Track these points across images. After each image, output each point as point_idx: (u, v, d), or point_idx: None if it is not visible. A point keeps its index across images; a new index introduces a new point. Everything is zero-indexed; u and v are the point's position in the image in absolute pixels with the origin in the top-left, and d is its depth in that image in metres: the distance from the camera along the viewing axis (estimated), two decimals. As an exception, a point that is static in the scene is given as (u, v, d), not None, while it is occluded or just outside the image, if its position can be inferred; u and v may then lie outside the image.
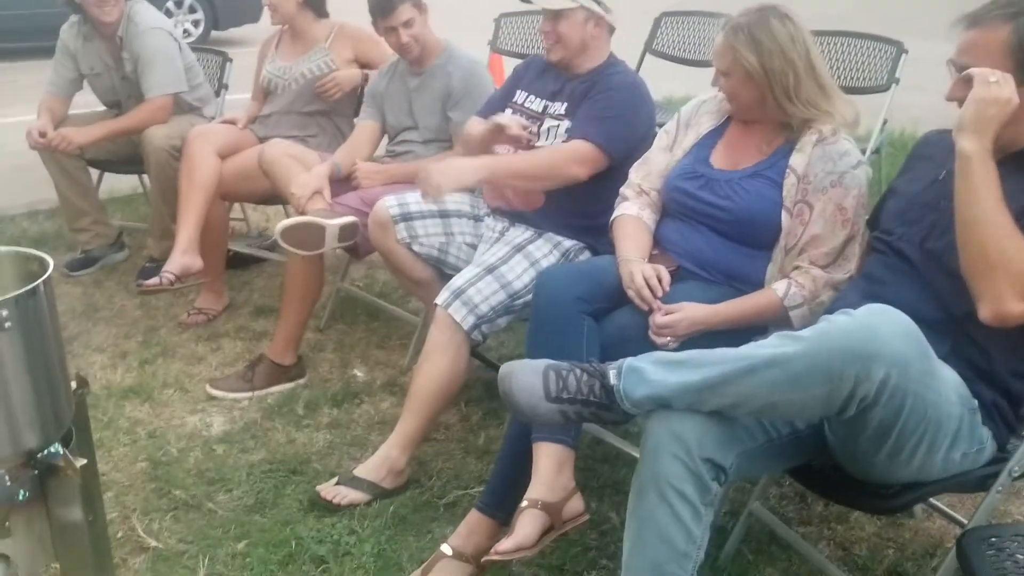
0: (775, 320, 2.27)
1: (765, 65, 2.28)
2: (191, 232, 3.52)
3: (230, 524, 2.50)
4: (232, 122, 3.95)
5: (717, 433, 1.79)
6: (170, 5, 10.06)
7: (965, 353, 1.89)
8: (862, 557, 2.42)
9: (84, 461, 1.67)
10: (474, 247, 2.94)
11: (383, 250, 3.01)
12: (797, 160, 2.31)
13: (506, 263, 2.65)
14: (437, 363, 2.60)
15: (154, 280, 3.42)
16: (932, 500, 2.31)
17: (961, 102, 1.87)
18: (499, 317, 2.63)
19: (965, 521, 2.02)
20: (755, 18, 2.31)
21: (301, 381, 3.28)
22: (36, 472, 1.66)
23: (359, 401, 3.17)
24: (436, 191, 2.60)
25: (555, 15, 2.77)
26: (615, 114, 2.72)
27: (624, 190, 2.61)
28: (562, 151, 2.70)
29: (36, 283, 1.65)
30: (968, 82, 1.85)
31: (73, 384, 1.84)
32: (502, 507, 2.32)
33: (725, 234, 2.37)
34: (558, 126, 2.81)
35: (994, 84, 1.81)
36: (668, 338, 2.23)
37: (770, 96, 2.30)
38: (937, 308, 1.94)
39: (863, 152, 3.47)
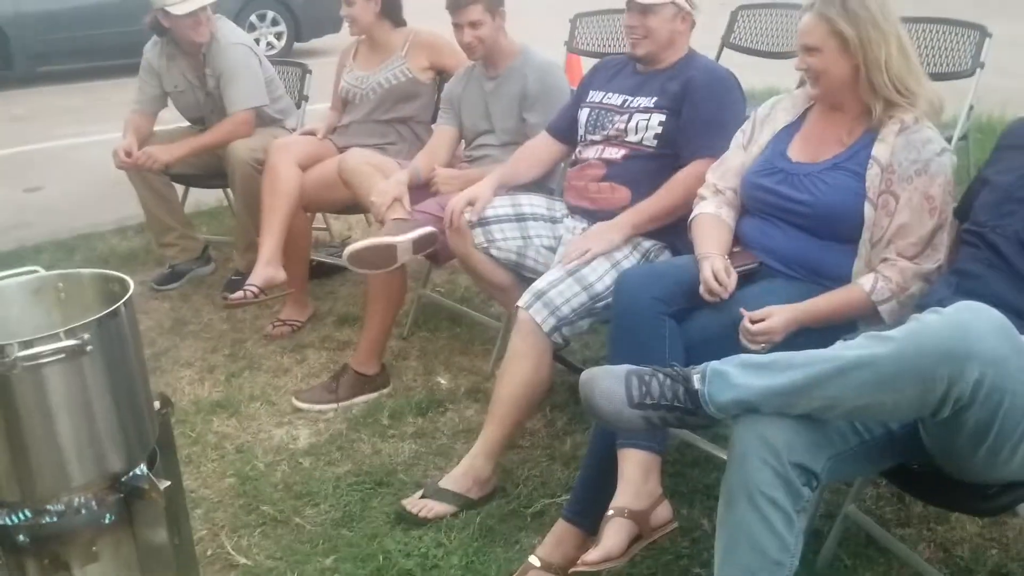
0: (864, 316, 2.20)
1: (861, 35, 2.21)
2: (274, 244, 3.55)
3: (318, 539, 2.51)
4: (312, 133, 3.99)
5: (807, 437, 1.75)
6: (253, 19, 10.28)
7: None
8: (964, 559, 2.33)
9: (168, 483, 1.68)
10: (552, 250, 2.91)
11: (461, 256, 3.00)
12: (880, 150, 2.23)
13: (587, 264, 2.61)
14: (520, 369, 2.58)
15: (239, 294, 3.46)
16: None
17: None
18: (580, 319, 2.59)
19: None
20: None
21: (385, 391, 3.28)
22: (121, 495, 1.67)
23: (443, 409, 3.16)
24: (586, 258, 2.62)
25: (644, 10, 2.76)
26: (721, 120, 2.69)
27: (701, 190, 2.57)
28: (687, 177, 2.67)
29: (117, 304, 1.67)
30: None
31: (157, 404, 1.86)
32: (588, 516, 2.28)
33: (807, 229, 2.30)
34: (649, 118, 2.78)
35: None
36: (763, 344, 2.16)
37: (863, 71, 2.23)
38: None
39: (949, 139, 3.37)
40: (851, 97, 2.29)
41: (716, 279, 2.25)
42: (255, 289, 3.47)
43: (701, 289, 2.27)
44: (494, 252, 2.90)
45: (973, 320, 1.61)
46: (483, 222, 2.89)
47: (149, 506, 1.67)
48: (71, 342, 1.56)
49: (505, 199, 2.96)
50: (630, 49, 2.85)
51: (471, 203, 2.90)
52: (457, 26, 3.27)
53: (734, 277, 2.27)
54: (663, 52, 2.83)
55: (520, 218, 2.94)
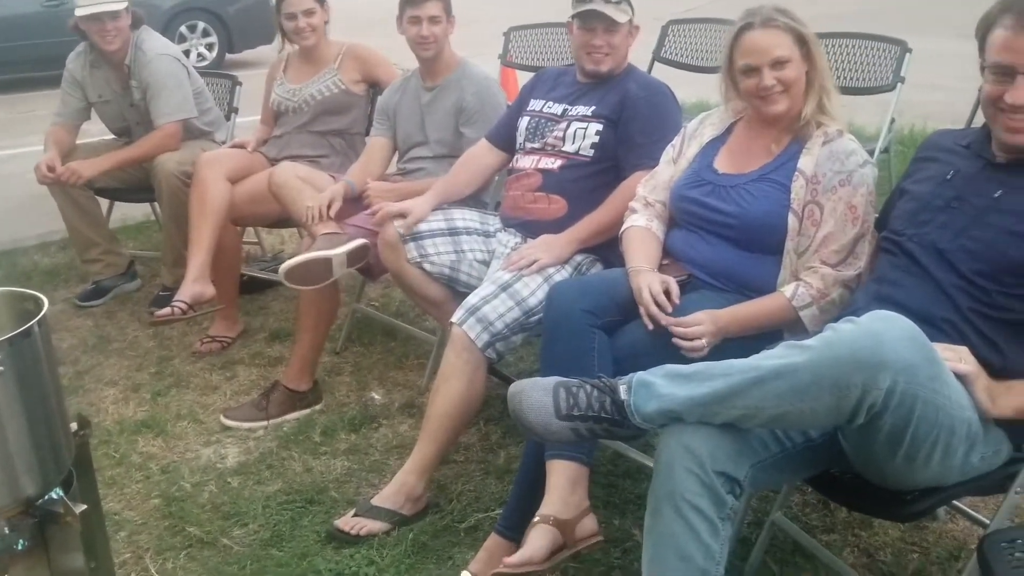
0: (787, 323, 2.24)
1: (811, 39, 2.29)
2: (202, 259, 3.50)
3: (246, 560, 2.47)
4: (242, 146, 3.94)
5: (729, 446, 1.77)
6: (183, 30, 10.13)
7: (978, 352, 1.86)
8: (887, 563, 2.38)
9: (84, 507, 1.63)
10: (485, 263, 2.91)
11: (394, 270, 2.98)
12: (805, 162, 2.29)
13: (520, 279, 2.62)
14: (453, 386, 2.57)
15: (166, 310, 3.40)
16: (955, 502, 2.27)
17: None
18: (514, 334, 2.59)
19: (988, 522, 1.97)
20: (774, 6, 2.30)
21: (317, 407, 3.25)
22: (36, 520, 1.62)
23: (377, 425, 3.13)
24: (534, 268, 2.64)
25: (610, 27, 2.79)
26: (661, 133, 2.72)
27: (632, 203, 2.60)
28: (629, 191, 2.67)
29: (30, 323, 1.62)
30: None
31: (74, 426, 1.80)
32: (521, 529, 2.27)
33: (733, 240, 2.34)
34: (587, 127, 2.80)
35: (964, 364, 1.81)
36: (701, 341, 2.16)
37: (815, 76, 2.30)
38: (949, 308, 1.92)
39: (872, 152, 3.44)
40: (795, 107, 2.33)
41: (656, 301, 2.25)
42: (183, 305, 3.41)
43: (641, 311, 2.27)
44: (427, 267, 2.89)
45: (886, 329, 1.65)
46: (416, 236, 2.88)
47: (64, 531, 1.62)
48: (-20, 363, 1.51)
49: (438, 213, 2.95)
50: (592, 67, 2.85)
51: (403, 215, 2.88)
52: (415, 19, 3.27)
53: (675, 291, 2.28)
54: (618, 67, 2.86)
55: (453, 232, 2.93)
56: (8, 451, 1.58)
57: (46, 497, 1.65)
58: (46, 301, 1.71)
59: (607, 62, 2.83)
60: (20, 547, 1.61)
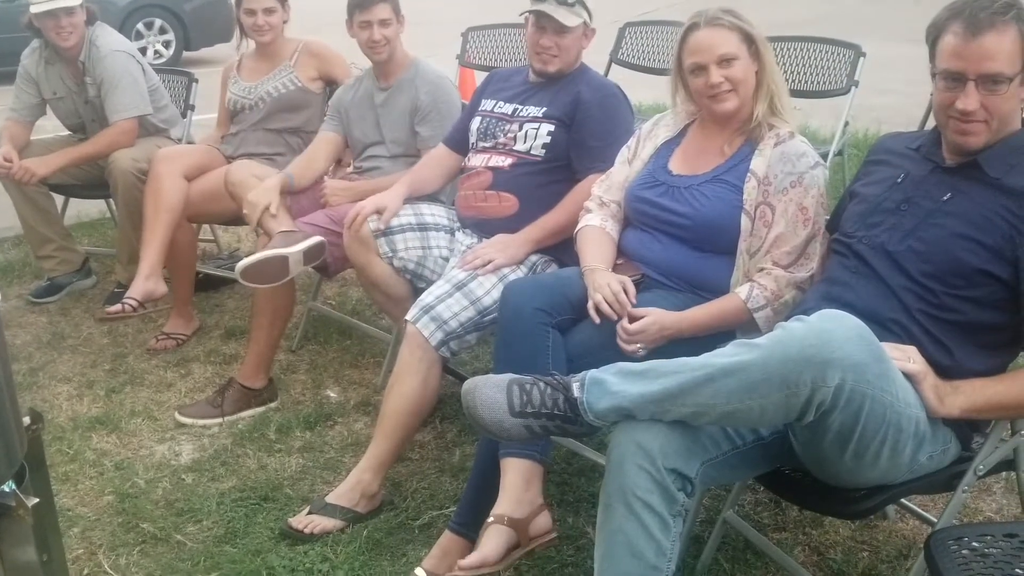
0: (741, 324, 2.27)
1: (759, 38, 2.32)
2: (154, 257, 3.48)
3: (200, 556, 2.46)
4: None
5: (680, 443, 1.79)
6: (140, 27, 10.04)
7: (926, 352, 1.89)
8: (837, 561, 2.41)
9: (37, 500, 1.62)
10: (447, 260, 2.91)
11: (360, 266, 2.97)
12: (758, 164, 2.31)
13: (475, 279, 2.63)
14: (408, 384, 2.58)
15: (116, 307, 3.39)
16: (904, 501, 2.31)
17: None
18: (468, 333, 2.61)
19: (936, 520, 2.01)
20: (721, 7, 2.33)
21: (273, 404, 3.24)
22: (-14, 513, 1.61)
23: (332, 423, 3.14)
24: (489, 268, 2.65)
25: (560, 29, 2.80)
26: (613, 135, 2.74)
27: (587, 203, 2.61)
28: (583, 192, 2.69)
29: (-19, 317, 1.60)
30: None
31: (27, 420, 1.79)
32: (475, 526, 2.29)
33: (686, 240, 2.36)
34: (538, 128, 2.82)
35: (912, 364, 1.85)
36: (638, 345, 2.21)
37: (764, 76, 2.33)
38: (898, 309, 1.95)
39: (825, 155, 3.50)
40: (746, 107, 2.36)
41: (615, 298, 2.26)
42: (133, 302, 3.40)
43: (595, 300, 2.28)
44: (396, 262, 2.89)
45: (834, 328, 1.67)
46: (387, 232, 2.88)
47: (16, 524, 1.60)
48: (-70, 356, 1.50)
49: (408, 208, 2.95)
50: (539, 66, 2.87)
51: (379, 211, 2.88)
52: (366, 24, 3.26)
53: (632, 291, 2.29)
54: (567, 68, 2.88)
55: (423, 227, 2.94)
56: (-41, 444, 1.57)
57: (-3, 491, 1.64)
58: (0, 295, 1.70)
59: (555, 63, 2.85)
60: (-30, 541, 1.60)
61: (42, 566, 1.67)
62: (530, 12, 2.83)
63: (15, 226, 4.35)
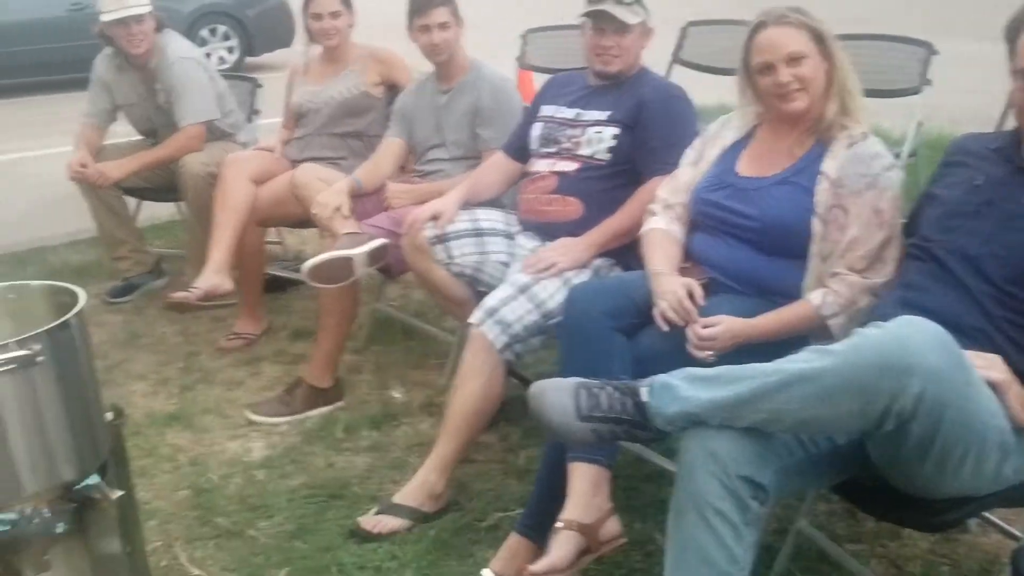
0: (814, 330, 2.22)
1: (829, 36, 2.28)
2: (222, 254, 3.55)
3: (272, 551, 2.50)
4: (269, 150, 3.97)
5: (752, 450, 1.76)
6: (204, 33, 10.23)
7: (1010, 361, 1.83)
8: (915, 575, 2.35)
9: (121, 492, 1.67)
10: (508, 265, 2.92)
11: (420, 272, 3.02)
12: (829, 165, 2.27)
13: (539, 282, 2.64)
14: (472, 386, 2.59)
15: (181, 293, 3.44)
16: (987, 514, 2.24)
17: None
18: (532, 336, 2.61)
19: (1021, 535, 1.95)
20: (789, 5, 2.30)
21: (340, 404, 3.28)
22: (74, 504, 1.67)
23: (397, 423, 3.16)
24: (552, 272, 2.66)
25: (621, 29, 2.79)
26: (677, 138, 2.72)
27: (652, 206, 2.59)
28: (647, 196, 2.67)
29: (68, 316, 1.66)
30: None
31: (109, 415, 1.85)
32: (541, 529, 2.29)
33: (755, 244, 2.33)
34: (602, 132, 2.81)
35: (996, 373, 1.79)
36: (709, 352, 2.18)
37: (835, 75, 2.29)
38: (979, 315, 1.90)
39: (899, 156, 3.43)
40: (817, 107, 2.32)
41: (679, 305, 2.24)
42: (198, 292, 3.46)
43: (659, 308, 2.27)
44: (453, 268, 2.91)
45: (914, 334, 1.63)
46: (442, 238, 2.91)
47: (101, 515, 1.66)
48: (22, 352, 1.56)
49: (463, 214, 2.97)
50: (601, 67, 2.86)
51: (435, 216, 2.91)
52: (424, 28, 3.29)
53: (699, 293, 2.27)
54: (629, 69, 2.87)
55: (478, 233, 2.95)
56: (48, 438, 1.63)
57: (84, 483, 1.69)
58: (83, 294, 1.75)
59: (616, 63, 2.83)
60: (60, 530, 1.65)
61: (125, 557, 1.72)
62: (588, 13, 2.82)
63: (91, 228, 4.45)
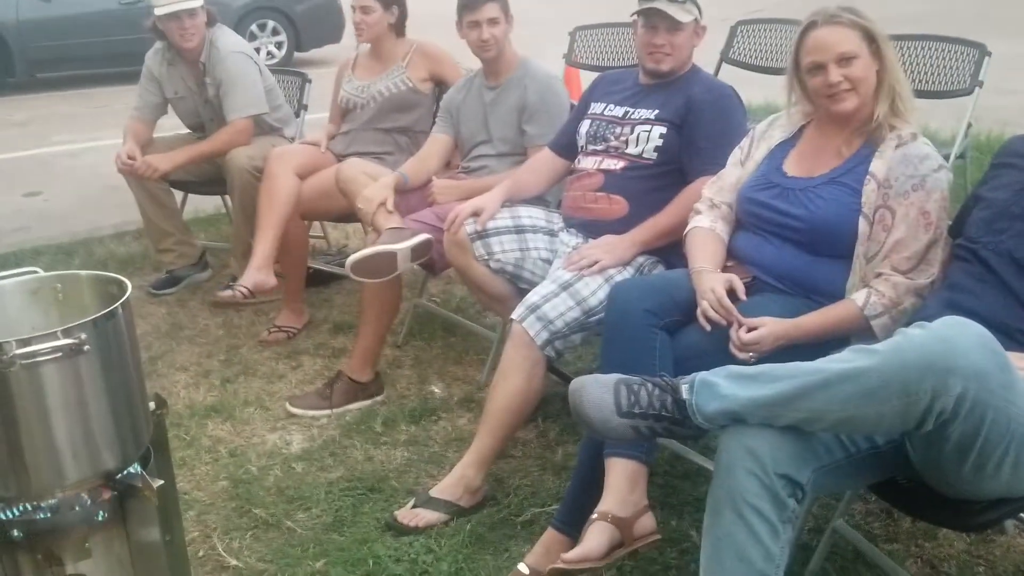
0: (857, 331, 2.21)
1: (881, 36, 2.26)
2: (267, 249, 3.58)
3: (309, 543, 2.52)
4: (314, 144, 4.00)
5: (792, 448, 1.76)
6: (254, 28, 10.33)
7: None
8: (951, 575, 2.34)
9: (161, 482, 1.69)
10: (549, 262, 2.93)
11: (460, 268, 3.03)
12: (877, 166, 2.26)
13: (581, 279, 2.64)
14: (512, 381, 2.59)
15: (227, 292, 3.49)
16: (1024, 516, 2.23)
17: None
18: (573, 333, 2.61)
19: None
20: (840, 5, 2.28)
21: (379, 398, 3.30)
22: (115, 493, 1.69)
23: (436, 418, 3.18)
24: (595, 269, 2.65)
25: (673, 27, 2.78)
26: (726, 137, 2.71)
27: (697, 205, 2.59)
28: (694, 195, 2.66)
29: (114, 306, 1.68)
30: None
31: (152, 405, 1.87)
32: (577, 525, 2.29)
33: (800, 244, 2.32)
34: (650, 131, 2.80)
35: None
36: (751, 354, 2.17)
37: (886, 75, 2.27)
38: (1023, 317, 1.89)
39: (947, 157, 3.39)
40: (866, 107, 2.30)
41: (719, 303, 2.24)
42: (244, 290, 3.50)
43: (698, 312, 2.27)
44: (492, 264, 2.92)
45: (958, 335, 1.62)
46: (483, 234, 2.92)
47: (142, 504, 1.68)
48: (68, 341, 1.58)
49: (504, 211, 2.98)
50: (652, 65, 2.85)
51: (476, 213, 2.92)
52: (474, 24, 3.29)
53: (740, 288, 2.28)
54: (680, 67, 2.86)
55: (519, 230, 2.96)
56: (91, 426, 1.65)
57: (125, 472, 1.71)
58: (129, 285, 1.77)
59: (668, 62, 2.83)
60: (100, 518, 1.67)
61: (164, 546, 1.74)
62: (641, 11, 2.82)
63: (136, 220, 4.52)
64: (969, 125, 3.80)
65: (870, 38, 2.26)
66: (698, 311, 2.28)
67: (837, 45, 2.25)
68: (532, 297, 2.61)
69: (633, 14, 2.86)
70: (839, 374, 1.68)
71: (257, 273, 3.55)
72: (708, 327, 2.24)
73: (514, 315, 2.60)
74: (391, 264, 3.06)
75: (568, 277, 2.64)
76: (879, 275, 2.21)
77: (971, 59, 3.70)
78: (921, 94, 3.60)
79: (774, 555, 1.76)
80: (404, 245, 3.07)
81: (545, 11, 8.70)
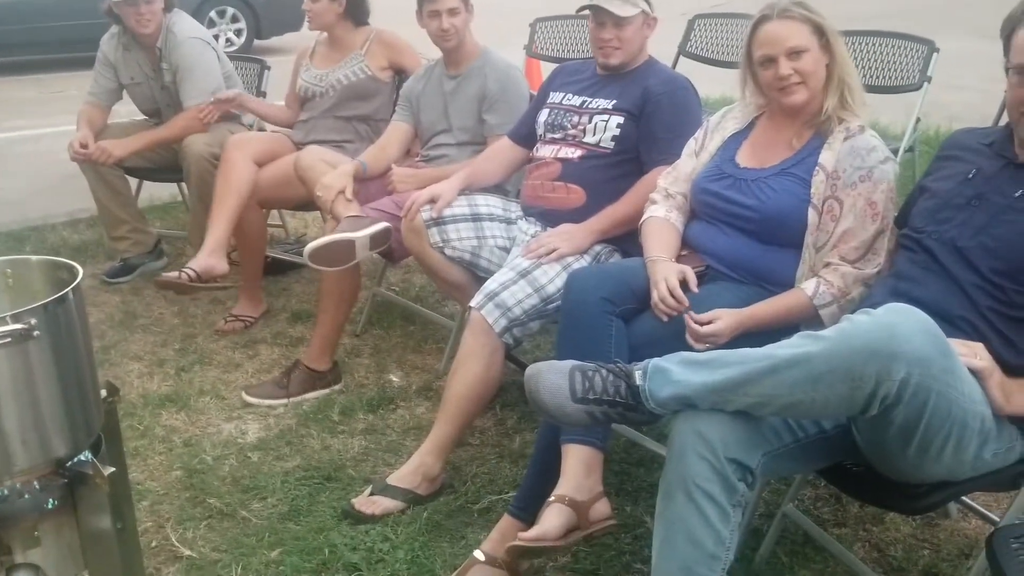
0: (806, 319, 2.25)
1: (830, 30, 2.29)
2: (220, 235, 3.54)
3: (264, 532, 2.52)
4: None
5: (742, 433, 1.79)
6: (213, 15, 10.22)
7: (993, 350, 1.87)
8: (897, 559, 2.39)
9: (113, 469, 1.68)
10: (506, 250, 2.94)
11: (417, 254, 3.03)
12: (826, 157, 2.30)
13: (539, 267, 2.65)
14: (471, 369, 2.61)
15: (172, 274, 3.40)
16: (967, 499, 2.29)
17: None
18: (531, 320, 2.63)
19: (999, 520, 1.98)
20: (793, 0, 2.31)
21: (337, 387, 3.29)
22: (65, 480, 1.67)
23: (394, 406, 3.18)
24: (553, 257, 2.67)
25: (619, 22, 2.80)
26: (682, 128, 2.73)
27: (652, 195, 2.62)
28: (650, 185, 2.68)
29: (65, 291, 1.66)
30: None
31: (104, 392, 1.85)
32: (533, 511, 2.30)
33: (752, 233, 2.35)
34: (608, 120, 2.82)
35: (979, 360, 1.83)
36: (708, 346, 2.19)
37: (835, 69, 2.30)
38: (966, 305, 1.94)
39: (896, 151, 3.45)
40: (816, 100, 2.34)
41: (672, 295, 2.27)
42: (192, 273, 3.41)
43: (652, 300, 2.29)
44: (448, 252, 2.93)
45: (901, 321, 1.66)
46: (439, 221, 2.92)
47: (93, 492, 1.66)
48: (17, 326, 1.56)
49: (462, 199, 2.98)
50: (602, 59, 2.87)
51: (433, 200, 2.92)
52: (434, 13, 3.29)
53: (692, 279, 2.31)
54: (631, 60, 2.88)
55: (476, 218, 2.97)
56: (41, 413, 1.63)
57: (76, 459, 1.70)
58: (80, 270, 1.75)
59: (617, 55, 2.85)
60: (50, 506, 1.65)
61: (116, 534, 1.73)
62: (584, 7, 2.84)
63: (90, 207, 4.46)
64: (918, 120, 3.87)
65: (820, 32, 2.30)
66: (651, 301, 2.30)
67: (788, 39, 2.28)
68: (491, 285, 2.62)
69: (579, 9, 2.88)
70: (787, 360, 1.71)
71: (208, 258, 3.48)
72: (665, 319, 2.27)
73: (472, 303, 2.61)
74: (349, 252, 3.06)
75: (526, 265, 2.66)
76: (827, 265, 2.26)
77: (920, 55, 3.76)
78: (872, 89, 3.66)
79: (724, 538, 1.79)
80: (362, 233, 3.06)
81: (521, 3, 8.68)
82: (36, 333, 1.58)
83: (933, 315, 1.71)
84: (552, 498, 2.16)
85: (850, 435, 1.90)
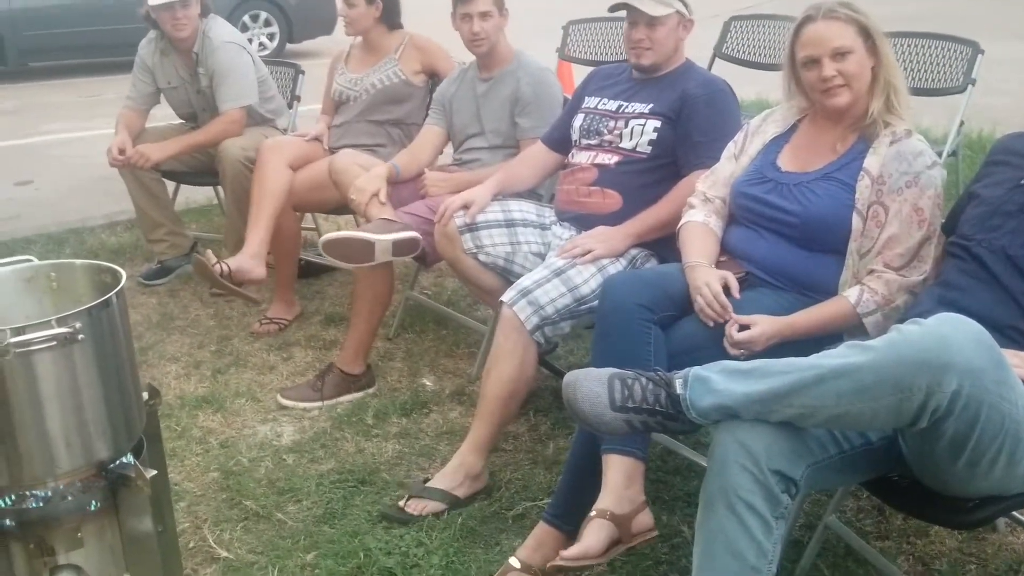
0: (849, 328, 2.22)
1: (876, 32, 2.25)
2: (259, 241, 3.56)
3: (299, 535, 2.52)
4: (318, 138, 3.96)
5: (786, 444, 1.76)
6: (246, 19, 10.29)
7: None
8: (943, 573, 2.34)
9: (154, 472, 1.69)
10: (540, 256, 2.93)
11: (450, 260, 3.03)
12: (871, 162, 2.26)
13: (574, 267, 2.64)
14: (505, 368, 2.60)
15: (212, 258, 3.35)
16: (1016, 514, 2.22)
17: None
18: (563, 320, 2.61)
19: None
20: (838, 0, 2.28)
21: (370, 390, 3.30)
22: (107, 483, 1.68)
23: (427, 411, 3.18)
24: (588, 258, 2.66)
25: (651, 22, 2.78)
26: (720, 132, 2.70)
27: (691, 199, 2.59)
28: (687, 189, 2.66)
29: (109, 295, 1.68)
30: None
31: (145, 395, 1.87)
32: (569, 519, 2.30)
33: (794, 239, 2.32)
34: (644, 124, 2.80)
35: None
36: (743, 351, 2.17)
37: (881, 72, 2.26)
38: (1016, 315, 1.90)
39: (939, 154, 3.40)
40: (861, 103, 2.30)
41: (717, 300, 2.24)
42: (225, 267, 3.39)
43: (697, 306, 2.27)
44: (482, 258, 2.92)
45: (953, 332, 1.62)
46: (472, 227, 2.91)
47: (135, 494, 1.68)
48: (63, 330, 1.57)
49: (495, 205, 2.98)
50: (634, 60, 2.86)
51: (466, 206, 2.92)
52: (466, 16, 3.29)
53: (735, 286, 2.28)
54: (665, 62, 2.86)
55: (510, 224, 2.96)
56: (84, 416, 1.64)
57: (118, 461, 1.71)
58: (124, 274, 1.77)
59: (648, 56, 2.82)
60: (93, 508, 1.67)
61: (157, 536, 1.74)
62: (615, 7, 2.81)
63: (128, 210, 4.51)
64: (961, 123, 3.81)
65: (866, 34, 2.26)
66: (695, 307, 2.28)
67: (832, 40, 2.25)
68: (524, 281, 2.61)
69: (611, 8, 2.86)
70: (833, 370, 1.67)
71: (248, 260, 3.50)
72: (711, 324, 2.24)
73: (504, 297, 2.59)
74: (367, 253, 3.04)
75: (561, 264, 2.65)
76: (872, 272, 2.22)
77: (964, 57, 3.70)
78: (914, 91, 3.57)
79: (767, 551, 1.76)
80: (383, 237, 3.05)
81: (533, 2, 8.66)
82: (81, 337, 1.60)
83: (984, 325, 1.66)
84: (594, 512, 2.13)
85: (896, 446, 1.86)
